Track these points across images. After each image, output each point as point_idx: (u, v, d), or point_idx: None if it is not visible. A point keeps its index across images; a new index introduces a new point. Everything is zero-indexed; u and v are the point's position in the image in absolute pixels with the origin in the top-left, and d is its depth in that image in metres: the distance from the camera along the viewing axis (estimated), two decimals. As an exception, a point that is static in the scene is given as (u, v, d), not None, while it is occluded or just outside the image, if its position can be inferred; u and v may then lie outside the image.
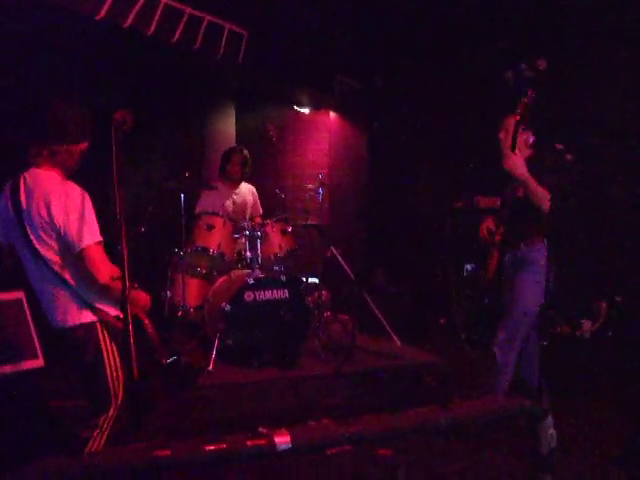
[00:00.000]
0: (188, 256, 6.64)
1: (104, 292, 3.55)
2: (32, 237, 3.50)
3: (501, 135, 4.97)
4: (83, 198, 3.49)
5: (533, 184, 4.57)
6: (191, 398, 5.47)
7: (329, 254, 7.38)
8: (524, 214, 4.74)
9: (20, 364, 5.49)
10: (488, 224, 5.18)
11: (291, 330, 6.32)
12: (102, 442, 3.61)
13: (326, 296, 7.76)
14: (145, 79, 6.94)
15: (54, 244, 3.50)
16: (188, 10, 5.48)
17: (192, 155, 8.68)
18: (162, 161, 8.17)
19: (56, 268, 3.53)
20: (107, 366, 3.59)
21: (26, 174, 3.56)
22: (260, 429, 2.30)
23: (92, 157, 3.74)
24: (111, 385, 3.61)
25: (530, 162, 4.69)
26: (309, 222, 7.37)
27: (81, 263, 3.47)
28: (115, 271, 3.48)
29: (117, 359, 3.65)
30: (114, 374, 3.63)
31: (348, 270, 7.17)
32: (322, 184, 7.27)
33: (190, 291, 6.81)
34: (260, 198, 7.84)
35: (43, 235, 3.48)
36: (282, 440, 2.26)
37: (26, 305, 5.60)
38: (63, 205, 3.43)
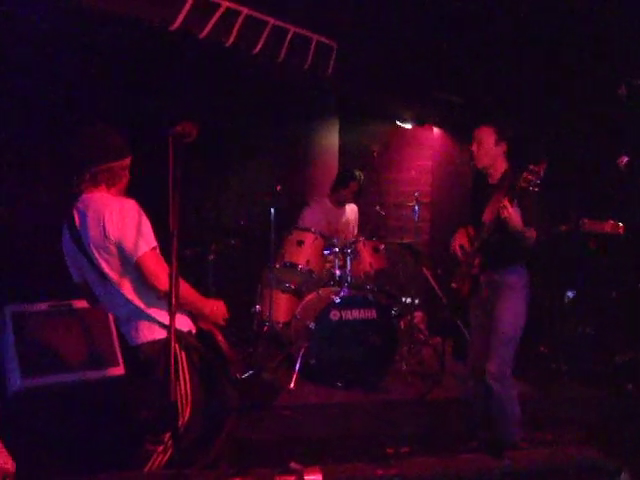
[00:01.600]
0: (277, 271, 6.58)
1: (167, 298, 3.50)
2: (97, 260, 3.51)
3: (473, 147, 4.74)
4: (133, 209, 3.47)
5: (526, 232, 4.40)
6: (268, 416, 5.40)
7: (424, 275, 7.15)
8: (503, 239, 4.48)
9: (103, 371, 5.57)
10: (461, 241, 4.87)
11: (377, 352, 6.11)
12: (165, 459, 3.57)
13: (419, 318, 7.57)
14: (234, 92, 6.91)
15: (116, 263, 3.50)
16: (272, 21, 5.38)
17: (294, 170, 8.61)
18: (262, 175, 8.13)
19: (122, 289, 3.54)
20: (183, 381, 3.56)
21: (77, 203, 3.60)
22: (292, 464, 2.15)
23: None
24: (179, 403, 3.54)
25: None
26: (404, 241, 7.18)
27: (141, 273, 3.45)
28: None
29: (187, 377, 3.60)
30: (182, 392, 3.58)
31: (440, 292, 6.91)
32: (418, 202, 7.06)
33: (279, 306, 6.76)
34: (361, 214, 7.69)
35: (106, 255, 3.49)
36: (313, 478, 2.09)
37: (110, 314, 5.67)
38: (115, 219, 3.43)
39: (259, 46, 5.35)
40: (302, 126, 8.67)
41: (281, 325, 6.74)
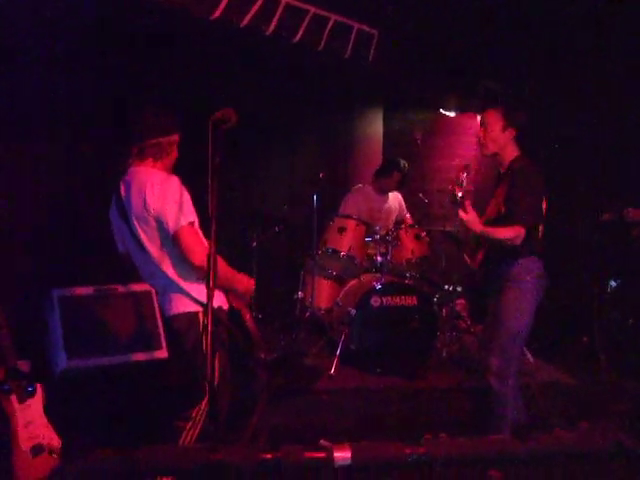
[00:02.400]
0: (319, 257, 6.65)
1: (201, 274, 3.57)
2: (137, 231, 3.62)
3: (479, 133, 4.54)
4: (175, 184, 3.56)
5: (493, 233, 4.17)
6: (308, 401, 5.46)
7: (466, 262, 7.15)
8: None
9: (147, 354, 5.67)
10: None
11: (418, 338, 6.14)
12: (195, 434, 3.66)
13: (461, 306, 7.55)
14: (278, 80, 6.95)
15: (154, 235, 3.60)
16: (312, 10, 5.41)
17: (337, 157, 8.66)
18: (306, 163, 8.19)
19: (159, 261, 3.64)
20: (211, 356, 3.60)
21: (124, 176, 3.73)
22: (321, 441, 2.20)
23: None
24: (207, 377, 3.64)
25: None
26: (446, 228, 7.18)
27: (177, 247, 3.55)
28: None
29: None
30: (210, 366, 3.65)
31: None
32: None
33: (321, 292, 6.82)
34: (404, 201, 7.71)
35: (145, 227, 3.59)
36: (342, 455, 2.14)
37: (155, 297, 5.77)
38: (156, 192, 3.53)
39: (299, 35, 5.39)
40: (346, 113, 8.70)
41: (323, 311, 6.79)
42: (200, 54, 6.08)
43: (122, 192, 3.69)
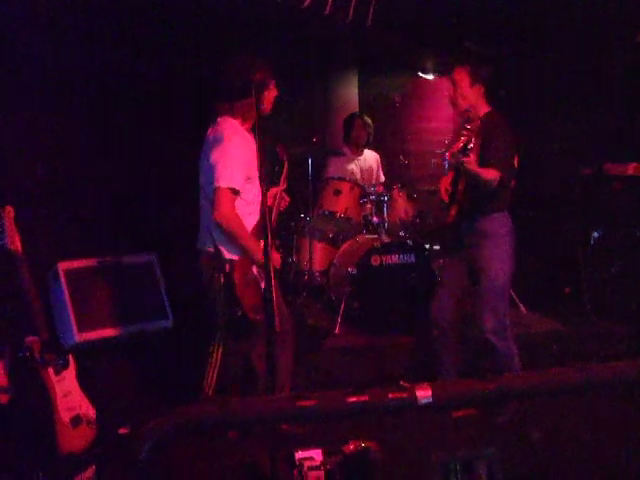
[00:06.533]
0: (315, 220, 6.74)
1: (214, 229, 3.87)
2: (200, 174, 4.00)
3: (450, 92, 4.72)
4: (242, 147, 3.82)
5: (482, 172, 4.22)
6: (316, 360, 5.57)
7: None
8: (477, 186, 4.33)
9: (153, 323, 5.72)
10: (447, 186, 4.70)
11: (417, 294, 6.25)
12: (214, 375, 3.94)
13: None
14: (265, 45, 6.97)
15: (207, 179, 3.89)
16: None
17: (316, 121, 8.70)
18: (287, 127, 8.21)
19: (204, 201, 3.99)
20: (217, 297, 3.91)
21: (214, 125, 4.01)
22: (402, 382, 2.31)
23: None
24: (220, 315, 3.93)
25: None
26: (432, 188, 7.31)
27: (211, 200, 3.82)
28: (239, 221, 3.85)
29: (224, 296, 3.90)
30: (222, 308, 3.92)
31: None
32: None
33: (316, 255, 6.90)
34: (384, 164, 7.84)
35: (205, 167, 3.92)
36: (423, 394, 2.25)
37: (158, 268, 5.81)
38: (219, 146, 3.82)
39: (307, 1, 5.45)
40: (321, 78, 8.72)
41: (318, 273, 6.90)
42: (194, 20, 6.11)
43: (209, 134, 3.99)
